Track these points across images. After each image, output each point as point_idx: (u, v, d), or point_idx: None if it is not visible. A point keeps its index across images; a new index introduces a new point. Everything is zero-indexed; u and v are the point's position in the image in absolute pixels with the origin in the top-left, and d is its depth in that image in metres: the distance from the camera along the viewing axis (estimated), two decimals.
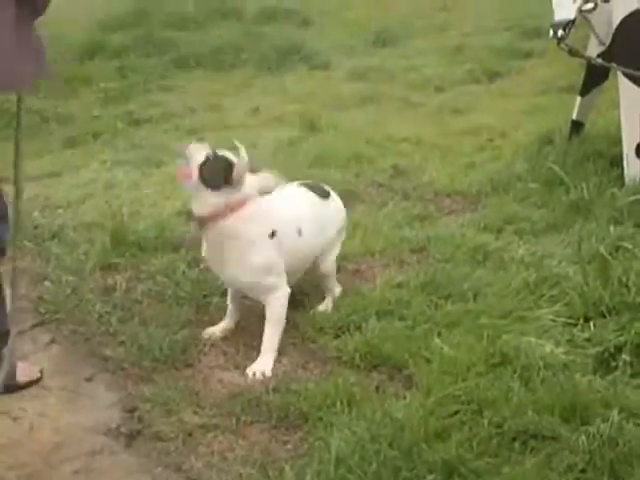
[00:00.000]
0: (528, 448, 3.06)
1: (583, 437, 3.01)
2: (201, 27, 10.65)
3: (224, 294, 4.21)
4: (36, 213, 5.31)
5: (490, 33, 9.99)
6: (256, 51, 9.58)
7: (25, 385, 3.66)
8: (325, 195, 4.22)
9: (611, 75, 5.67)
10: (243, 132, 7.03)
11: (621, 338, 3.60)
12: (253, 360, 3.75)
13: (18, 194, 3.15)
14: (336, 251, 4.21)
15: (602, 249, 4.34)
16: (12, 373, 3.58)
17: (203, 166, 3.66)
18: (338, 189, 5.44)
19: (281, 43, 9.74)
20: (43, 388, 3.65)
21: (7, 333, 3.49)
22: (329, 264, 4.16)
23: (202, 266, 4.46)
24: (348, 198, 5.42)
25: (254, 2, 11.49)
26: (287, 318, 4.05)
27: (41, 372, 3.74)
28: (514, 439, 3.10)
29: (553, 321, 3.86)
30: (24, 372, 3.69)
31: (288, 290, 3.83)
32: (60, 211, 5.42)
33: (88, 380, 3.69)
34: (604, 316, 3.84)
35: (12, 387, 3.58)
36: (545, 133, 6.26)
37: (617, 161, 5.39)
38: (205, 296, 4.25)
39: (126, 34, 10.16)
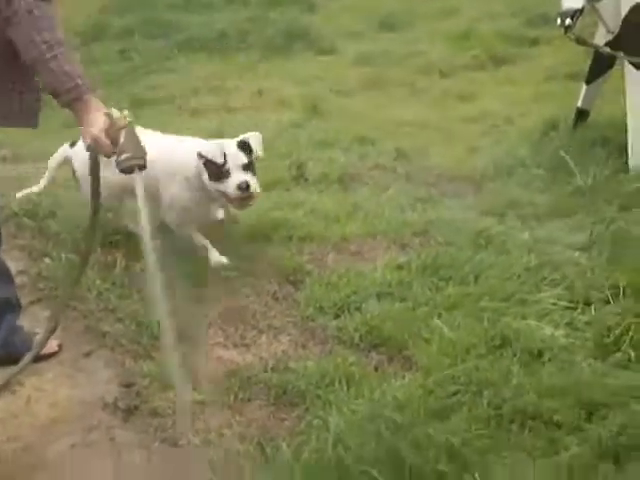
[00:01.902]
0: (526, 429, 3.05)
1: (584, 419, 3.01)
2: (206, 10, 10.60)
3: (225, 270, 4.21)
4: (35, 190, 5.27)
5: (497, 19, 9.93)
6: (261, 35, 9.54)
7: (44, 357, 3.65)
8: None
9: (617, 63, 5.63)
10: (246, 114, 7.02)
11: (622, 322, 3.60)
12: (252, 339, 3.75)
13: None
14: None
15: (606, 235, 4.33)
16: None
17: None
18: (341, 171, 5.50)
19: (286, 27, 9.71)
20: (41, 362, 3.63)
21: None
22: None
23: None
24: (351, 180, 5.44)
25: None
26: (287, 297, 4.06)
27: (59, 346, 3.74)
28: (512, 420, 3.09)
29: (554, 304, 3.84)
30: None
31: None
32: (60, 189, 5.38)
33: (86, 355, 3.67)
34: (606, 301, 3.83)
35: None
36: (550, 120, 6.23)
37: (622, 149, 5.36)
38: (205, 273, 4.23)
39: (130, 16, 10.13)
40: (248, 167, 4.19)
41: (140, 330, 3.77)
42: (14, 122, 3.35)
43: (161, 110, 7.39)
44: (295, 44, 9.35)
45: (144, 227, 3.04)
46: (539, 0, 9.90)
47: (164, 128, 6.65)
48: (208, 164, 4.22)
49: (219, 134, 6.31)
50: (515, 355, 3.43)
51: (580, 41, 5.37)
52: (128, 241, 4.59)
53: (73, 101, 3.08)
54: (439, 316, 3.76)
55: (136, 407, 3.29)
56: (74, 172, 4.62)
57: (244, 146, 4.29)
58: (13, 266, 4.29)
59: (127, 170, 3.01)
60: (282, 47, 9.32)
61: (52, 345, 3.72)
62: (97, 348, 3.72)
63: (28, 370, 3.54)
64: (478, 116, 6.91)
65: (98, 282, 4.15)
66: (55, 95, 3.10)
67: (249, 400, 3.32)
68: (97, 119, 3.06)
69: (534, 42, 9.12)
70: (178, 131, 6.44)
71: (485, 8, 10.43)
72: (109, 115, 3.04)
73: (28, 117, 3.40)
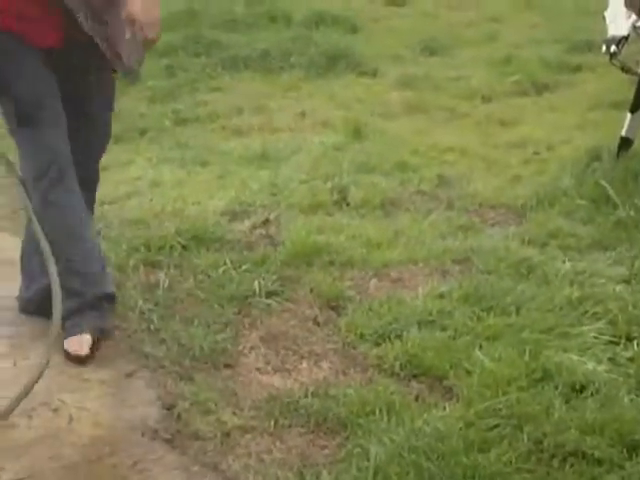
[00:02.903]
0: (567, 465, 3.05)
1: (626, 457, 3.00)
2: (250, 29, 10.65)
3: (267, 296, 4.23)
4: None
5: (539, 45, 9.91)
6: (304, 55, 9.56)
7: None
8: None
9: None
10: (289, 135, 7.05)
11: None
12: (293, 364, 3.77)
13: None
14: None
15: None
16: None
17: None
18: (383, 197, 5.51)
19: (329, 48, 9.72)
20: (83, 381, 3.66)
21: None
22: None
23: (244, 267, 4.49)
24: (392, 206, 5.46)
25: (303, 7, 11.48)
26: (328, 322, 4.08)
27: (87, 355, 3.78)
28: (553, 456, 3.09)
29: (596, 338, 3.84)
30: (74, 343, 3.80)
31: None
32: (105, 207, 5.43)
33: (128, 376, 3.69)
34: None
35: None
36: (593, 149, 6.19)
37: None
38: (247, 297, 4.25)
39: (176, 33, 10.18)
40: None
41: (182, 352, 3.79)
42: None
43: (204, 128, 7.43)
44: (337, 65, 9.36)
45: None
46: (582, 26, 9.89)
47: (207, 147, 6.77)
48: None
49: (264, 155, 6.39)
50: (556, 389, 3.42)
51: (625, 69, 5.38)
52: (171, 261, 4.63)
53: None
54: (480, 347, 3.76)
55: (177, 430, 3.31)
56: None
57: None
58: None
59: None
60: (324, 68, 9.33)
61: (84, 347, 3.80)
62: (139, 369, 3.74)
63: (71, 388, 3.60)
64: (520, 143, 6.87)
65: (141, 302, 4.19)
66: None
67: (289, 426, 3.33)
68: None
69: (577, 69, 9.06)
70: (223, 152, 6.55)
71: (527, 34, 10.41)
72: None
73: None
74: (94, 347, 3.82)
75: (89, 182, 4.09)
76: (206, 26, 10.56)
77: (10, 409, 3.26)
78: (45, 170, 3.73)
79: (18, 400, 3.27)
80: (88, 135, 4.00)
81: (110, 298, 3.96)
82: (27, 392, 3.29)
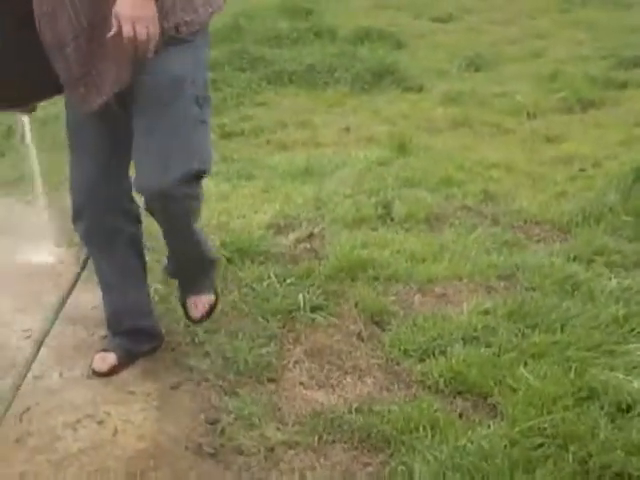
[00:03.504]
0: None
1: None
2: (295, 45, 10.68)
3: (312, 310, 4.23)
4: None
5: (585, 62, 9.86)
6: (349, 71, 9.58)
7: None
8: None
9: None
10: (333, 150, 7.06)
11: None
12: (337, 379, 3.76)
13: None
14: None
15: None
16: None
17: None
18: (428, 211, 5.49)
19: (374, 64, 9.73)
20: (129, 393, 3.68)
21: None
22: None
23: (288, 281, 4.50)
24: (437, 221, 5.44)
25: (348, 22, 11.51)
26: (372, 337, 4.07)
27: (110, 369, 3.81)
28: (599, 477, 3.05)
29: None
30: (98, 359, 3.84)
31: None
32: (149, 219, 5.45)
33: (173, 389, 3.71)
34: None
35: None
36: (639, 165, 6.14)
37: None
38: (291, 311, 4.25)
39: (221, 48, 10.23)
40: None
41: (226, 366, 3.80)
42: None
43: (249, 143, 7.46)
44: (382, 81, 9.37)
45: None
46: (629, 43, 9.84)
47: (252, 161, 6.79)
48: None
49: (308, 170, 6.39)
50: (602, 408, 3.39)
51: None
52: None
53: None
54: (525, 364, 3.74)
55: (221, 445, 3.32)
56: None
57: None
58: (92, 300, 4.35)
59: None
60: (369, 83, 9.34)
61: (105, 362, 3.82)
62: (183, 381, 3.75)
63: (116, 400, 3.62)
64: (565, 159, 6.83)
65: None
66: None
67: (333, 442, 3.33)
68: None
69: (623, 86, 8.98)
70: (267, 166, 6.56)
71: (573, 50, 10.37)
72: None
73: None
74: (117, 367, 3.83)
75: None
76: (251, 41, 10.61)
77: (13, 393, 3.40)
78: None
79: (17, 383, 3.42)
80: None
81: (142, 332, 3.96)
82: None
